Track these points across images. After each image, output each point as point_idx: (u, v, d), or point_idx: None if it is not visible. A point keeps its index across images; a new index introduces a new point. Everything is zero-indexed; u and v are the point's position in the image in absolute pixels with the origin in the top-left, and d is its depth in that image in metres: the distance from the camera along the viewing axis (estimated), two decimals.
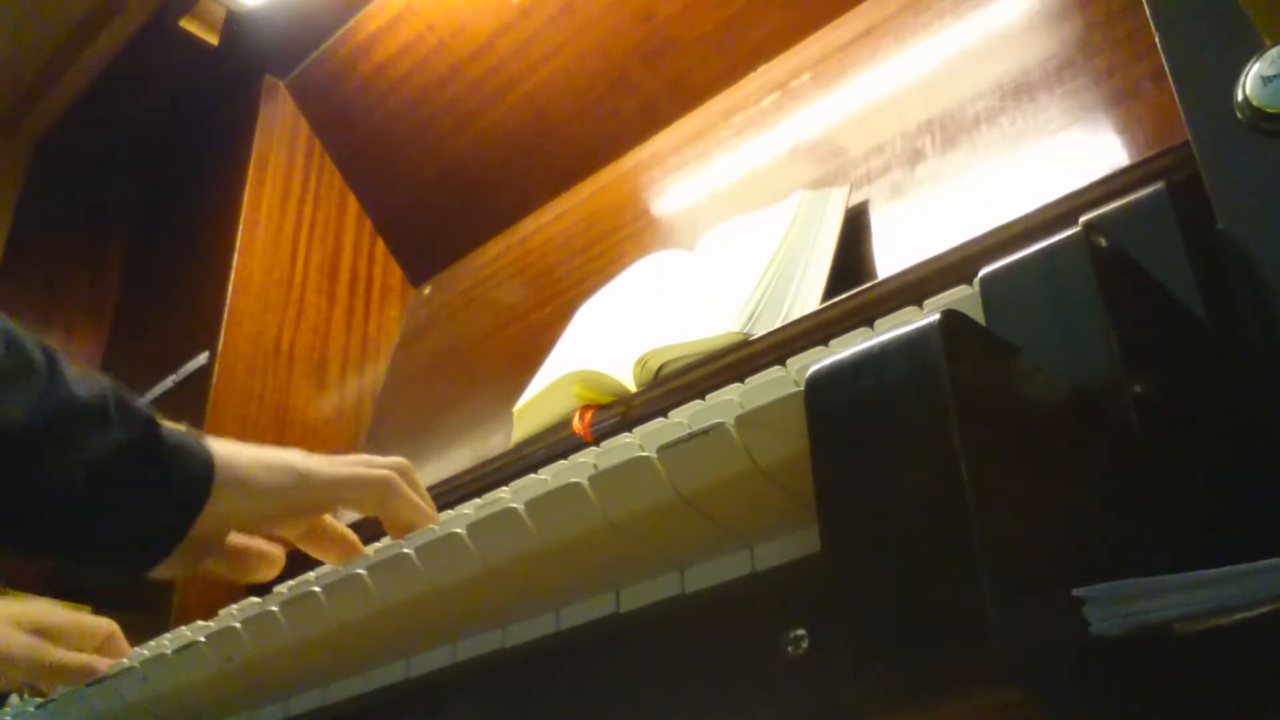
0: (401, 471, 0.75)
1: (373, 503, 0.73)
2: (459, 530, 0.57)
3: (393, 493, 0.73)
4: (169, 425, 0.67)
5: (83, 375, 0.65)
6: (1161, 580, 0.37)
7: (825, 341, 0.69)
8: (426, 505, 0.75)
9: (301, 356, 1.55)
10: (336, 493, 0.73)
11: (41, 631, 0.90)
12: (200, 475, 0.66)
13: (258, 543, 0.76)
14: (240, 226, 1.54)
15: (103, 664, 0.88)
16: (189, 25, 1.60)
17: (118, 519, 0.64)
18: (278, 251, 1.58)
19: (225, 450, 0.69)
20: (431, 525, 0.74)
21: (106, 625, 0.93)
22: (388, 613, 0.62)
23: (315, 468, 0.72)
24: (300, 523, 0.74)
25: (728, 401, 0.55)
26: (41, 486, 0.61)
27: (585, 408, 1.04)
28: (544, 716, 0.57)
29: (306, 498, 0.71)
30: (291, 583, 0.81)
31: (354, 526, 0.81)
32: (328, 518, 0.77)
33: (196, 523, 0.66)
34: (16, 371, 0.61)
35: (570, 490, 0.52)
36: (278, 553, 0.76)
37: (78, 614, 0.94)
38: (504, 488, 0.71)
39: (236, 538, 0.74)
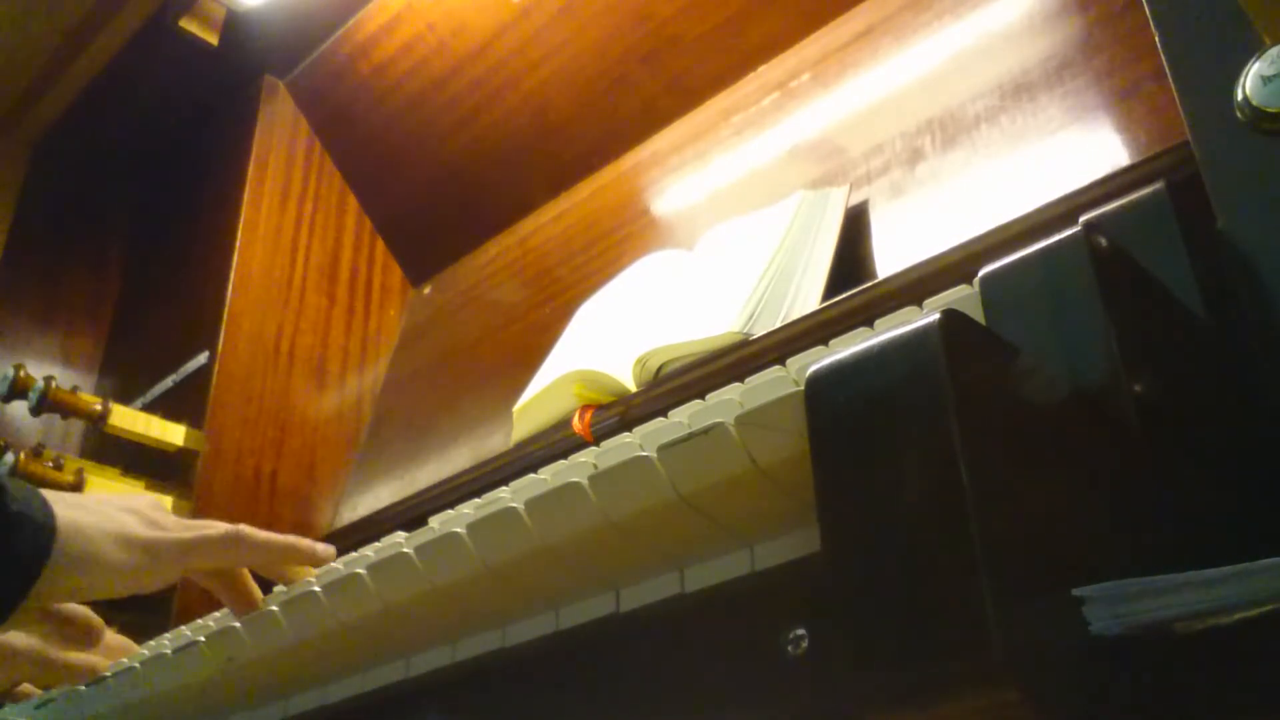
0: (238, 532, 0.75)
1: (228, 558, 0.74)
2: (459, 530, 0.57)
3: (242, 541, 0.74)
4: (22, 490, 0.65)
5: None
6: (1161, 580, 0.37)
7: (825, 341, 0.68)
8: (277, 541, 0.76)
9: (301, 356, 1.55)
10: (186, 560, 0.72)
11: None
12: (35, 551, 0.64)
13: (83, 611, 0.75)
14: (240, 226, 1.54)
15: (105, 665, 0.88)
16: (189, 25, 1.60)
17: None
18: (278, 251, 1.58)
19: (74, 518, 0.66)
20: (295, 549, 0.75)
21: (120, 642, 0.93)
22: (388, 613, 0.62)
23: (162, 541, 0.70)
24: (144, 590, 0.73)
25: (728, 401, 0.55)
26: None
27: (585, 407, 1.04)
28: (544, 716, 0.57)
29: (154, 574, 0.70)
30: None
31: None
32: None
33: (28, 595, 0.64)
34: None
35: (570, 490, 0.52)
36: (99, 624, 0.76)
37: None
38: (504, 487, 0.71)
39: (63, 606, 0.73)
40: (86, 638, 0.75)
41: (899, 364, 0.39)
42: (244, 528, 0.75)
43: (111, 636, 0.94)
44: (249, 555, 0.74)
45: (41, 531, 0.64)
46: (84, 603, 0.71)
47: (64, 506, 0.66)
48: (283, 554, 0.76)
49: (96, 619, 0.76)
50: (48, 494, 0.66)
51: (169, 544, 0.70)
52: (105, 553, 0.66)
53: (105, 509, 0.70)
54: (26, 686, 0.97)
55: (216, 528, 0.74)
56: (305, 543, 0.77)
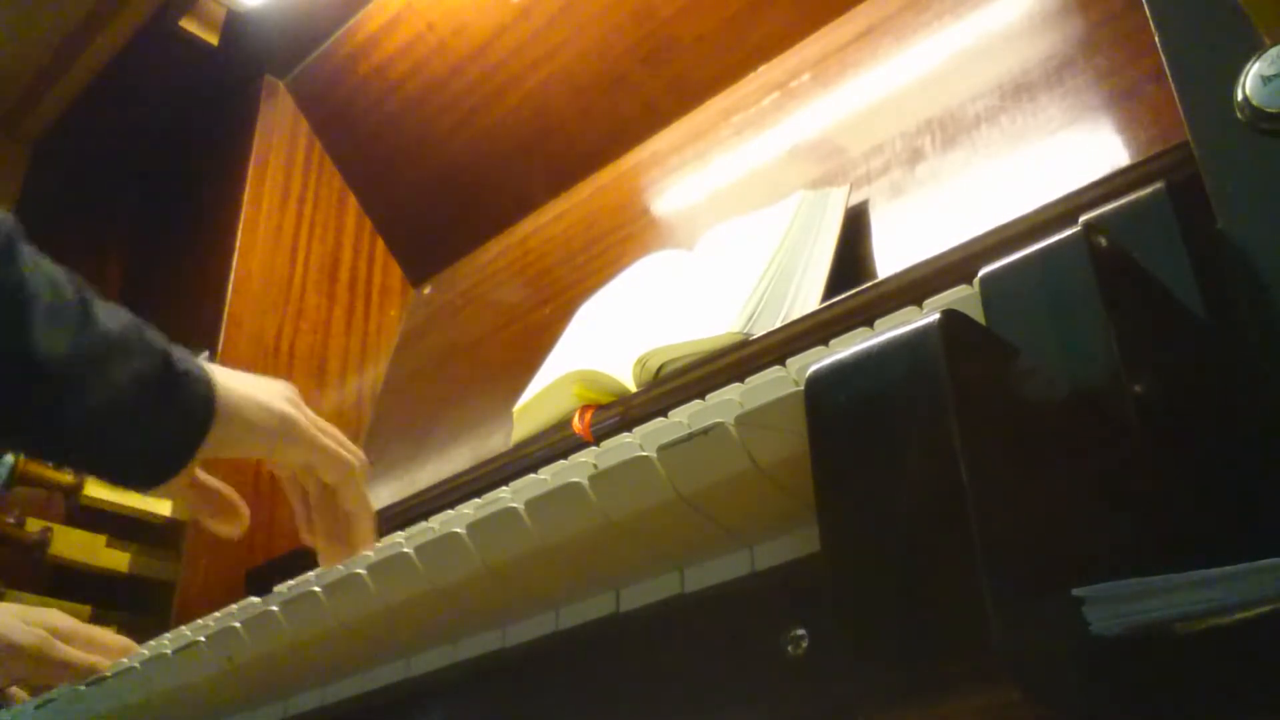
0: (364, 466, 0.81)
1: (334, 477, 0.78)
2: (459, 530, 0.57)
3: (352, 478, 0.78)
4: (179, 352, 0.72)
5: (109, 308, 0.70)
6: (1161, 580, 0.37)
7: (825, 341, 0.68)
8: (370, 508, 0.81)
9: (301, 356, 1.55)
10: (310, 456, 0.77)
11: (53, 632, 0.91)
12: (204, 405, 0.71)
13: (229, 489, 0.81)
14: (240, 226, 1.54)
15: (105, 665, 0.89)
16: (189, 25, 1.60)
17: (134, 443, 0.69)
18: (278, 251, 1.58)
19: (225, 381, 0.73)
20: (368, 525, 0.79)
21: (121, 643, 0.94)
22: (388, 613, 0.62)
23: (302, 424, 0.77)
24: (267, 462, 0.79)
25: (728, 401, 0.55)
26: (73, 413, 0.66)
27: (585, 407, 1.04)
28: (544, 716, 0.57)
29: (285, 449, 0.76)
30: (291, 582, 0.81)
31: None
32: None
33: (204, 444, 0.71)
34: (60, 308, 0.67)
35: (570, 490, 0.52)
36: (245, 510, 0.82)
37: (90, 626, 0.95)
38: (504, 488, 0.71)
39: (213, 482, 0.81)
40: (232, 513, 0.82)
41: (899, 364, 0.39)
42: (359, 471, 0.79)
43: (112, 637, 0.94)
44: (350, 495, 0.78)
45: (205, 391, 0.71)
46: (224, 459, 0.77)
47: (218, 373, 0.74)
48: (366, 519, 0.79)
49: (240, 501, 0.82)
50: (201, 361, 0.74)
51: (304, 428, 0.77)
52: (251, 414, 0.74)
53: (250, 378, 0.77)
54: (17, 691, 0.97)
55: (344, 455, 0.78)
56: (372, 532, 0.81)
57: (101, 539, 1.35)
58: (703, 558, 0.52)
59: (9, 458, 1.30)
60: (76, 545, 1.34)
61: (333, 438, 0.79)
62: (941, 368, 0.38)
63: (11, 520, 1.32)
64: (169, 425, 0.70)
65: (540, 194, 1.49)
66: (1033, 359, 0.45)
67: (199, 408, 0.71)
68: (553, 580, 0.56)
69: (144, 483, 0.71)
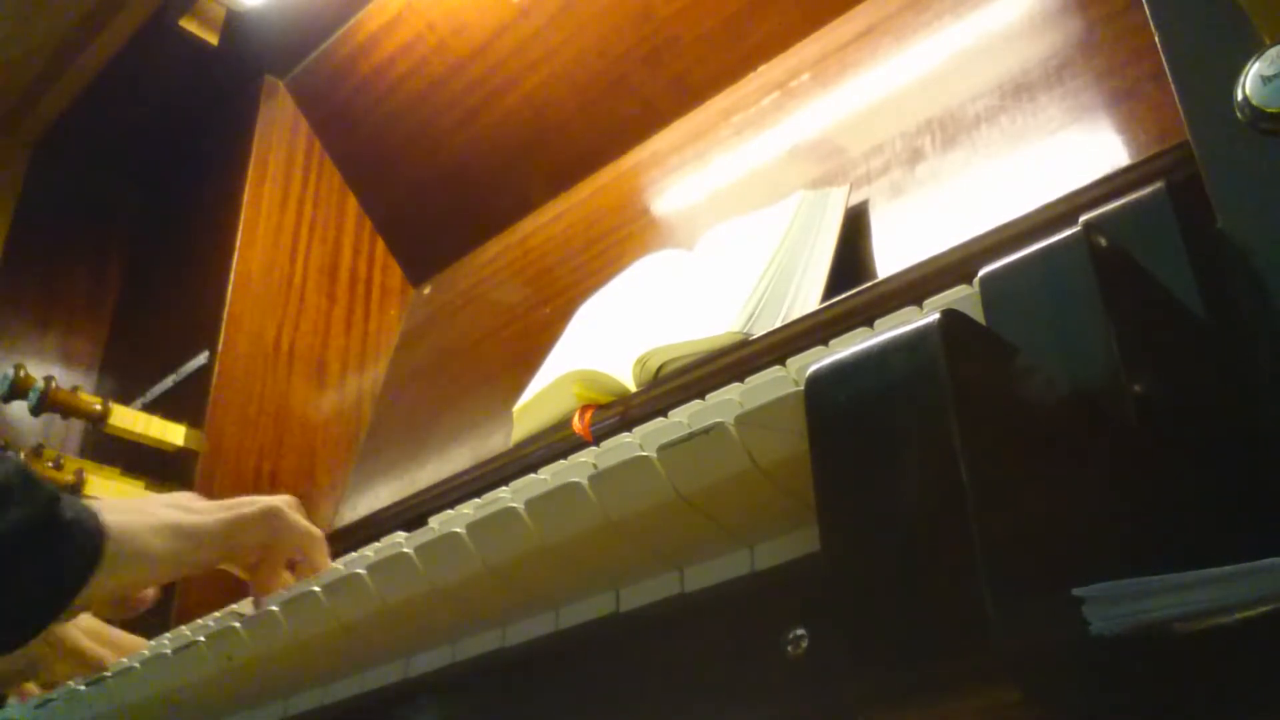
0: (286, 502, 0.80)
1: (265, 534, 0.78)
2: (459, 530, 0.57)
3: (281, 519, 0.78)
4: (74, 502, 0.70)
5: None
6: (1161, 580, 0.37)
7: (825, 341, 0.68)
8: (314, 529, 0.80)
9: (301, 356, 1.55)
10: (228, 541, 0.77)
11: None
12: (86, 553, 0.69)
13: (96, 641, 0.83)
14: (240, 226, 1.54)
15: (111, 659, 0.89)
16: (189, 25, 1.60)
17: (5, 594, 0.67)
18: (278, 251, 1.58)
19: (120, 520, 0.72)
20: (322, 549, 0.79)
21: (135, 641, 0.95)
22: (388, 613, 0.62)
23: (204, 524, 0.76)
24: (191, 573, 0.79)
25: (728, 401, 0.55)
26: None
27: (585, 407, 1.04)
28: (544, 716, 0.57)
29: (199, 558, 0.76)
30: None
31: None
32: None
33: (80, 595, 0.69)
34: None
35: (570, 490, 0.52)
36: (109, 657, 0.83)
37: (107, 624, 0.96)
38: (504, 487, 0.71)
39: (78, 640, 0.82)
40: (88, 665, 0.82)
41: (899, 364, 0.39)
42: (281, 506, 0.78)
43: (124, 636, 0.95)
44: (285, 534, 0.78)
45: (92, 538, 0.70)
46: (137, 593, 0.79)
47: (109, 511, 0.72)
48: (317, 542, 0.79)
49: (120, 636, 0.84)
50: (94, 501, 0.72)
51: (210, 526, 0.76)
52: (151, 546, 0.73)
53: (148, 506, 0.76)
54: (29, 686, 0.97)
55: (255, 504, 0.78)
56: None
57: None
58: (703, 558, 0.52)
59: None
60: None
61: (238, 521, 0.77)
62: (941, 368, 0.38)
63: None
64: (45, 576, 0.68)
65: (540, 194, 1.49)
66: (1033, 359, 0.45)
67: (80, 557, 0.69)
68: (553, 580, 0.56)
69: (12, 636, 0.69)
